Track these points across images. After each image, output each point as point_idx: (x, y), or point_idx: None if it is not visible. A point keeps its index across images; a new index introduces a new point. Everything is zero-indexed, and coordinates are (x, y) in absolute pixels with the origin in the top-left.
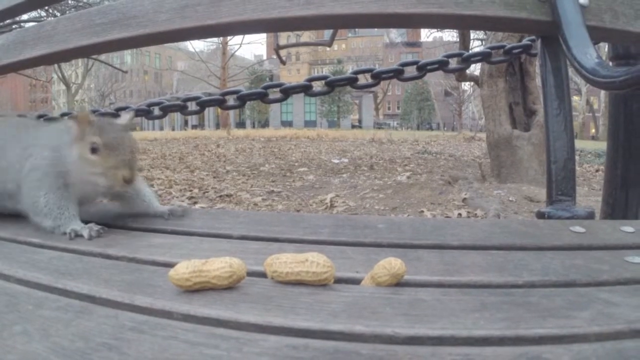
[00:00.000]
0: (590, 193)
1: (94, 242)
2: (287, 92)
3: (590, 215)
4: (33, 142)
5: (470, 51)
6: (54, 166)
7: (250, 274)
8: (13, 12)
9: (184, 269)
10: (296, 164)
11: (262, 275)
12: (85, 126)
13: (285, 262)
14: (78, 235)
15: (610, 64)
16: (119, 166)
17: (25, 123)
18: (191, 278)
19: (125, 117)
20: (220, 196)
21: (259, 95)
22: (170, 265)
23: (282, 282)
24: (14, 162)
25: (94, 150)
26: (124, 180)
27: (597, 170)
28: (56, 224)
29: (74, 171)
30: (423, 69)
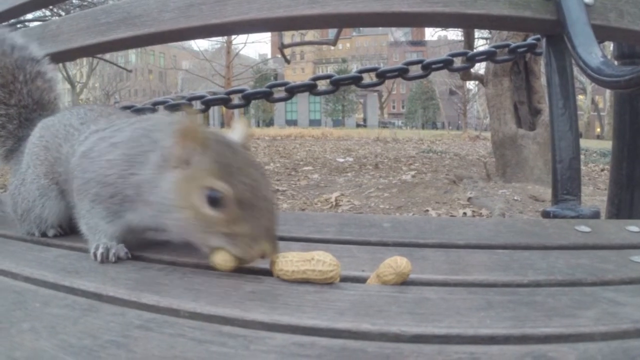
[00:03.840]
0: (595, 192)
1: None
2: (292, 91)
3: (595, 215)
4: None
5: (474, 50)
6: (112, 185)
7: (256, 272)
8: (18, 11)
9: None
10: (301, 162)
11: (269, 273)
12: (192, 146)
13: (292, 260)
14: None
15: (616, 62)
16: (259, 237)
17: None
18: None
19: (237, 131)
20: None
21: (263, 94)
22: (176, 264)
23: (288, 280)
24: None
25: (213, 200)
26: (261, 257)
27: (602, 170)
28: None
29: (157, 208)
30: (428, 67)
